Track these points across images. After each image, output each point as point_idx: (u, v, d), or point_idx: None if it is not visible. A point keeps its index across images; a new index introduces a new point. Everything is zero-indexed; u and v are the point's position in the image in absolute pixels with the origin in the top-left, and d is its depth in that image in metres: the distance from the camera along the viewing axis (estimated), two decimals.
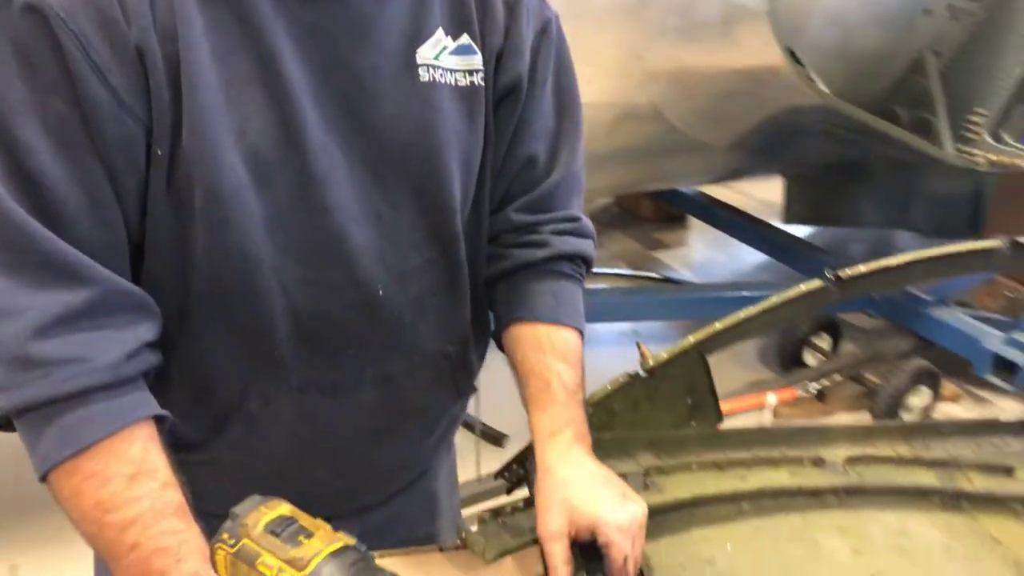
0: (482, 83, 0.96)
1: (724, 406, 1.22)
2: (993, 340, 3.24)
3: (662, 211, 5.31)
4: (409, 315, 0.99)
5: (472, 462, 2.77)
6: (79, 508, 0.78)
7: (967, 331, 3.35)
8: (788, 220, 4.53)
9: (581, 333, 1.09)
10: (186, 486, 0.81)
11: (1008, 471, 1.16)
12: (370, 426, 1.03)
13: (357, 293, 0.94)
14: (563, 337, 1.07)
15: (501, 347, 1.13)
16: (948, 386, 3.40)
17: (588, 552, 0.95)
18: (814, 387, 3.29)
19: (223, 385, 0.95)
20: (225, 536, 0.70)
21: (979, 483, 1.14)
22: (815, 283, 1.16)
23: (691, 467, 1.16)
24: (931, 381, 3.24)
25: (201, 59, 0.80)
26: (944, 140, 3.27)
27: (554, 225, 1.10)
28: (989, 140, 3.22)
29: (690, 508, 1.12)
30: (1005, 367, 3.17)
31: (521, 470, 1.22)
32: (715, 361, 1.19)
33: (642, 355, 1.19)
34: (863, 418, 3.30)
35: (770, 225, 4.55)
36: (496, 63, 0.98)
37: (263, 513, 0.71)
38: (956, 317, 3.46)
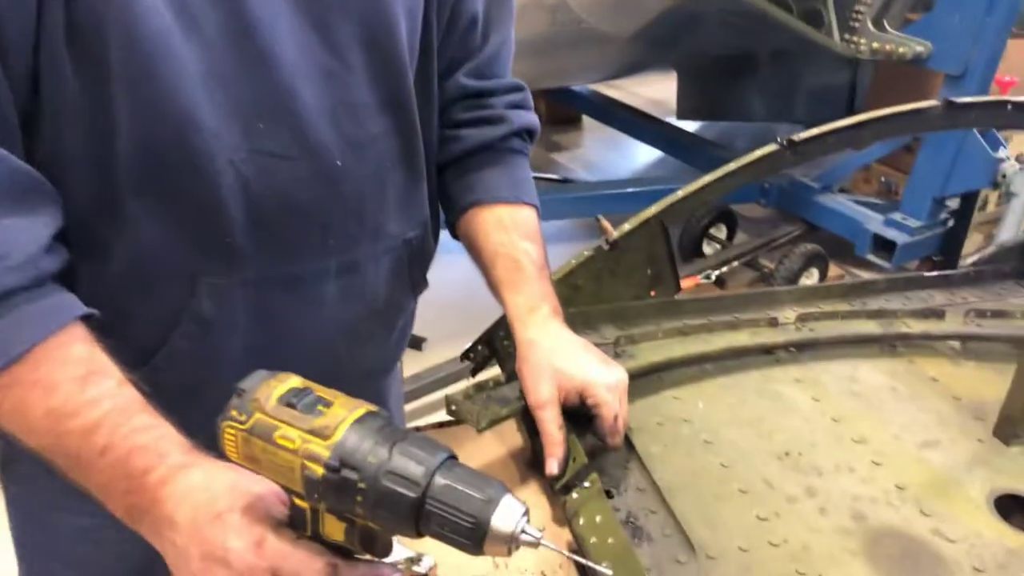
0: None
1: None
2: (873, 222, 3.49)
3: (557, 113, 5.29)
4: (371, 191, 0.92)
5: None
6: (26, 421, 0.70)
7: (850, 215, 3.58)
8: (681, 116, 4.63)
9: (538, 210, 1.08)
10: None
11: (940, 315, 1.25)
12: (333, 328, 0.96)
13: (313, 164, 0.85)
14: (524, 216, 1.06)
15: (455, 234, 1.10)
16: (832, 268, 3.64)
17: (576, 419, 0.96)
18: (714, 274, 3.44)
19: (168, 284, 0.84)
20: (234, 413, 0.65)
21: (916, 327, 1.23)
22: (769, 147, 1.18)
23: (657, 335, 1.18)
24: (820, 263, 3.46)
25: None
26: (832, 29, 3.39)
27: (505, 97, 1.07)
28: (872, 29, 3.36)
29: (660, 372, 1.15)
30: (884, 246, 3.43)
31: (487, 350, 1.21)
32: None
33: (605, 229, 1.19)
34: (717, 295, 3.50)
35: (663, 122, 4.64)
36: None
37: (274, 386, 0.66)
38: (840, 202, 3.69)
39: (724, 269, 3.49)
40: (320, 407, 0.65)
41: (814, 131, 1.19)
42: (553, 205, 3.70)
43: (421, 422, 1.31)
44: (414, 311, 1.17)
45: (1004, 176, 3.16)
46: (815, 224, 3.74)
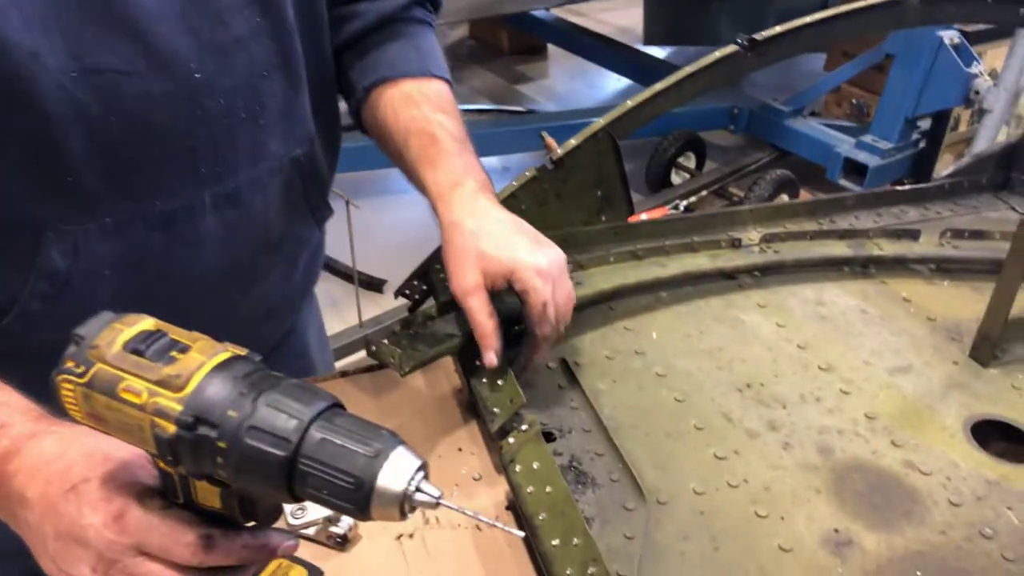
0: None
1: None
2: (844, 145, 3.39)
3: (520, 42, 5.08)
4: (243, 106, 0.79)
5: (353, 311, 2.68)
6: None
7: (821, 138, 3.48)
8: (648, 41, 4.45)
9: (451, 85, 0.96)
10: None
11: (914, 236, 1.15)
12: (221, 268, 0.84)
13: (165, 78, 0.71)
14: (435, 88, 0.94)
15: (361, 125, 0.98)
16: (803, 193, 3.55)
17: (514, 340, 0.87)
18: (682, 204, 3.34)
19: (7, 238, 0.72)
20: (70, 364, 0.54)
21: (887, 248, 1.14)
22: (728, 49, 1.06)
23: (608, 259, 1.07)
24: (791, 189, 3.36)
25: None
26: None
27: None
28: None
29: (611, 301, 1.05)
30: (855, 169, 3.34)
31: (424, 285, 1.10)
32: None
33: (549, 146, 1.07)
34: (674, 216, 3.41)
35: (631, 48, 4.47)
36: None
37: (119, 331, 0.54)
38: (810, 126, 3.58)
39: (693, 199, 3.38)
40: (174, 353, 0.54)
41: (777, 29, 1.07)
42: (516, 137, 3.56)
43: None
44: (322, 242, 1.05)
45: (977, 93, 3.05)
46: (785, 149, 3.63)
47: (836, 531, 0.76)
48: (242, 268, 0.86)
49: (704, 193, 3.45)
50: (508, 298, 0.86)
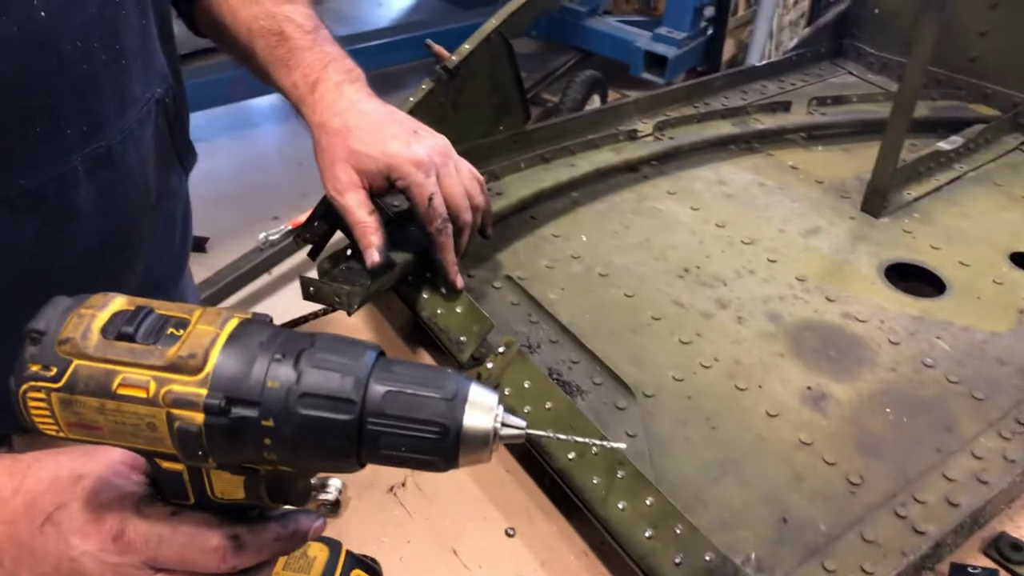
0: None
1: None
2: (643, 39, 3.51)
3: None
4: (100, 44, 0.65)
5: None
6: None
7: (620, 35, 3.58)
8: None
9: None
10: None
11: (786, 108, 1.21)
12: (99, 241, 0.71)
13: (5, 21, 0.57)
14: None
15: (195, 27, 0.87)
16: (611, 93, 3.66)
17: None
18: None
19: None
20: (35, 368, 0.42)
21: (767, 122, 1.19)
22: None
23: (519, 166, 1.03)
24: (601, 88, 3.45)
25: None
26: None
27: None
28: None
29: (531, 209, 1.01)
30: (656, 62, 3.48)
31: (325, 224, 1.00)
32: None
33: (438, 55, 0.99)
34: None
35: None
36: None
37: (89, 316, 0.43)
38: (608, 24, 3.66)
39: None
40: (172, 330, 0.44)
41: None
42: None
43: None
44: (188, 196, 0.92)
45: None
46: (588, 50, 3.70)
47: (809, 388, 0.80)
48: (124, 239, 0.73)
49: None
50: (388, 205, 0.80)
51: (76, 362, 0.42)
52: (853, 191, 1.10)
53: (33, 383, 0.42)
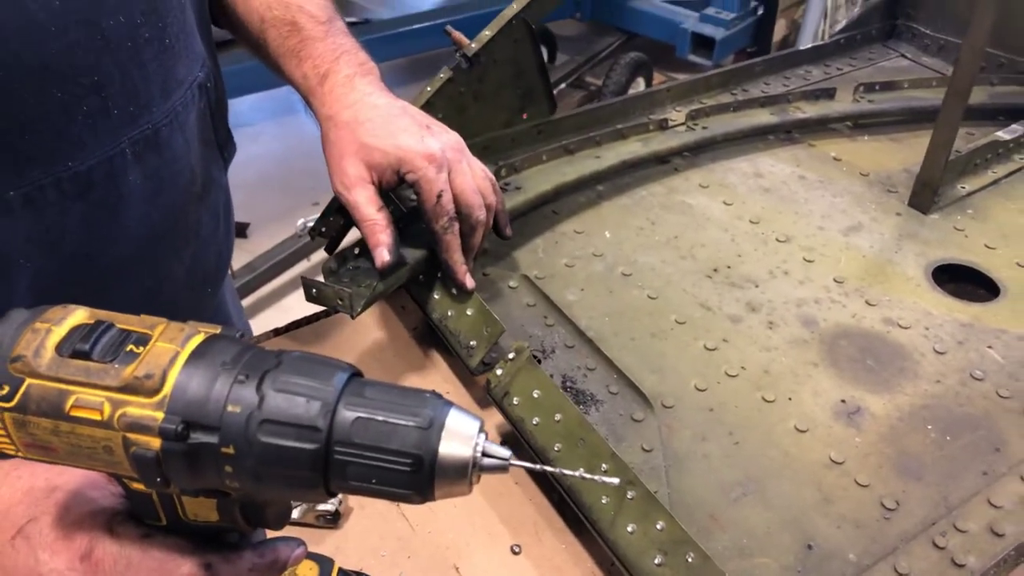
0: None
1: None
2: (690, 20, 3.40)
3: None
4: (144, 20, 0.63)
5: None
6: None
7: (667, 16, 3.47)
8: None
9: None
10: None
11: (830, 95, 1.14)
12: (148, 229, 0.69)
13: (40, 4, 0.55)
14: None
15: (217, 23, 0.84)
16: (656, 75, 3.56)
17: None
18: None
19: None
20: None
21: (809, 110, 1.12)
22: None
23: (541, 158, 0.99)
24: (646, 71, 3.36)
25: None
26: None
27: None
28: None
29: (552, 204, 0.97)
30: (703, 44, 3.37)
31: (341, 218, 0.97)
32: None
33: (458, 42, 0.95)
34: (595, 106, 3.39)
35: None
36: None
37: (44, 331, 0.41)
38: (654, 5, 3.55)
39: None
40: (132, 347, 0.41)
41: None
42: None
43: (266, 320, 1.07)
44: (228, 188, 0.90)
45: None
46: (633, 32, 3.60)
47: (843, 401, 0.74)
48: (172, 227, 0.72)
49: (563, 86, 3.39)
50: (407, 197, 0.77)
51: (28, 381, 0.40)
52: (901, 185, 1.02)
53: None
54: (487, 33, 0.93)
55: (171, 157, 0.70)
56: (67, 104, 0.59)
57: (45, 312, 0.42)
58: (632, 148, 1.03)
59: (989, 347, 0.79)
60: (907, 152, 1.08)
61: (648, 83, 3.46)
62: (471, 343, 0.76)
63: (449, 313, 0.79)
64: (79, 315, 0.42)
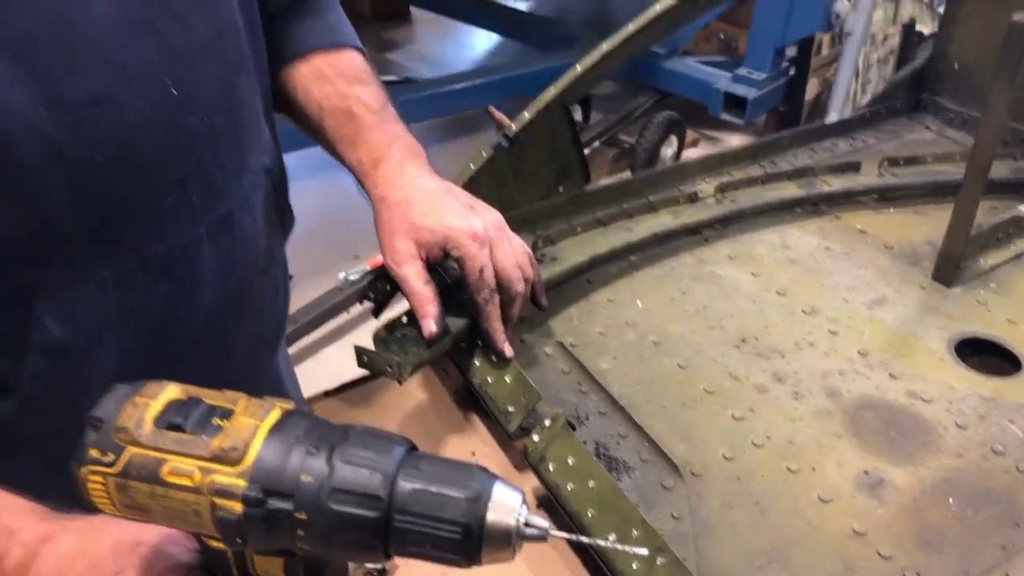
0: None
1: None
2: (722, 80, 3.47)
3: (382, 7, 4.90)
4: (221, 117, 0.71)
5: None
6: None
7: (699, 77, 3.55)
8: None
9: (363, 52, 0.91)
10: None
11: (856, 168, 1.19)
12: (220, 304, 0.76)
13: (140, 100, 0.62)
14: (346, 59, 0.89)
15: (277, 106, 0.91)
16: (688, 132, 3.63)
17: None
18: None
19: None
20: (95, 453, 0.46)
21: (835, 184, 1.16)
22: (668, 2, 1.03)
23: (576, 230, 1.05)
24: (678, 129, 3.43)
25: None
26: None
27: None
28: None
29: (587, 273, 1.02)
30: (735, 103, 3.44)
31: (387, 283, 1.03)
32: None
33: (500, 123, 1.02)
34: (625, 176, 3.46)
35: (495, 3, 4.40)
36: None
37: (144, 405, 0.47)
38: (687, 65, 3.64)
39: (586, 151, 3.39)
40: (217, 420, 0.47)
41: None
42: (408, 109, 3.44)
43: (307, 370, 1.13)
44: (286, 259, 0.97)
45: (838, 17, 3.19)
46: (667, 91, 3.69)
47: (866, 473, 0.77)
48: (238, 300, 0.78)
49: (596, 143, 3.47)
50: (451, 268, 0.83)
51: (130, 449, 0.46)
52: (924, 258, 1.06)
53: (92, 467, 0.46)
54: (527, 116, 1.00)
55: (241, 237, 0.76)
56: (155, 196, 0.66)
57: (143, 387, 0.48)
58: (663, 220, 1.08)
59: (1011, 421, 0.82)
60: (931, 225, 1.12)
61: (681, 142, 3.53)
62: (509, 409, 0.80)
63: (489, 379, 0.83)
64: (172, 390, 0.48)
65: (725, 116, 3.48)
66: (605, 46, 1.02)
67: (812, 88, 3.73)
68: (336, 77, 0.86)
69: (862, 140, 1.33)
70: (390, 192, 0.83)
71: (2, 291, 0.60)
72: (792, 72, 3.56)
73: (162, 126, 0.65)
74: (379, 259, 0.95)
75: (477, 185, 1.00)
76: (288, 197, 0.92)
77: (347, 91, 0.86)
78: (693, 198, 1.12)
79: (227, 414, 0.47)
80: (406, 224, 0.81)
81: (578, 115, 3.70)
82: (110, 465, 0.46)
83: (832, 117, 3.24)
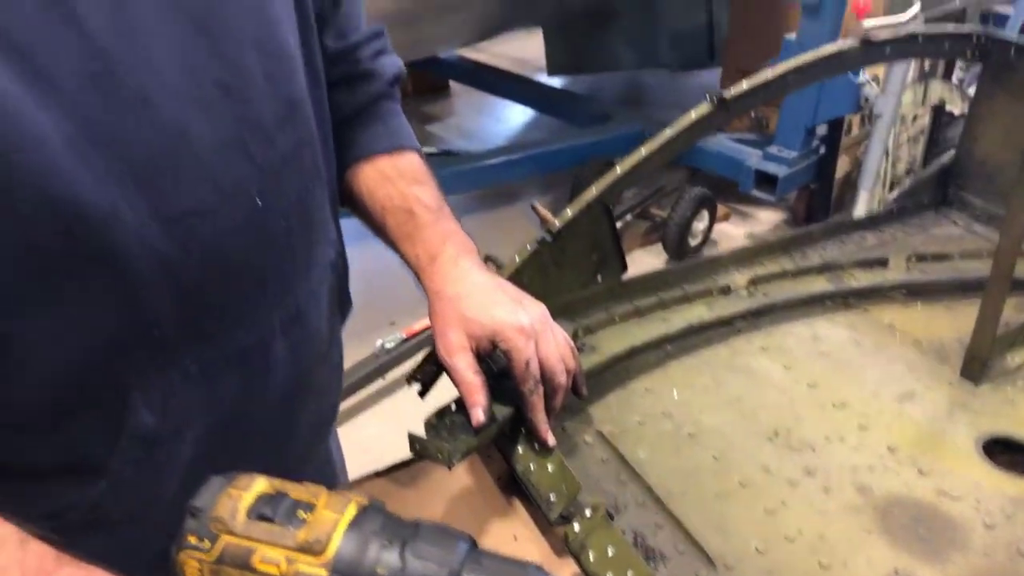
0: None
1: None
2: (753, 158, 3.56)
3: (423, 82, 5.11)
4: (297, 221, 0.78)
5: None
6: None
7: (731, 154, 3.64)
8: (552, 72, 4.57)
9: (420, 152, 0.99)
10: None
11: (884, 263, 1.23)
12: (283, 391, 0.82)
13: (233, 210, 0.70)
14: (407, 161, 0.96)
15: (342, 202, 0.99)
16: (720, 207, 3.70)
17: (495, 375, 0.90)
18: None
19: (93, 404, 0.67)
20: (193, 540, 0.52)
21: (863, 279, 1.21)
22: (702, 108, 1.11)
23: (614, 320, 1.10)
24: (709, 205, 3.50)
25: None
26: None
27: (368, 47, 0.95)
28: None
29: (625, 361, 1.07)
30: (766, 180, 3.51)
31: (435, 366, 1.09)
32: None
33: (544, 219, 1.09)
34: (657, 250, 3.53)
35: (531, 80, 4.57)
36: None
37: (237, 496, 0.53)
38: (719, 143, 3.73)
39: (619, 224, 3.48)
40: (301, 512, 0.52)
41: (744, 87, 1.12)
42: (445, 181, 3.56)
43: (344, 435, 1.18)
44: (342, 342, 1.04)
45: (867, 100, 3.27)
46: (698, 167, 3.78)
47: (896, 571, 0.80)
48: (302, 385, 0.85)
49: (629, 217, 3.55)
50: (499, 358, 0.89)
51: (225, 538, 0.51)
52: (952, 354, 1.09)
53: (191, 552, 0.52)
54: (569, 213, 1.07)
55: (308, 328, 0.83)
56: (238, 294, 0.73)
57: (236, 479, 0.54)
58: (698, 312, 1.13)
59: None
60: (960, 321, 1.15)
61: (712, 217, 3.60)
62: (551, 497, 0.85)
63: (531, 467, 0.88)
64: (261, 483, 0.54)
65: (756, 193, 3.55)
66: (644, 150, 1.09)
67: (843, 166, 3.80)
68: (398, 178, 0.94)
69: (890, 234, 1.38)
70: (444, 287, 0.89)
71: (101, 382, 0.67)
72: (823, 151, 3.63)
73: (248, 232, 0.72)
74: (415, 328, 1.02)
75: (521, 275, 1.07)
76: (348, 286, 0.99)
77: (407, 191, 0.93)
78: (726, 291, 1.17)
79: (310, 507, 0.53)
80: (459, 317, 0.87)
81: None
82: (206, 551, 0.51)
83: (862, 196, 3.30)
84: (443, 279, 0.89)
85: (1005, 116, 1.36)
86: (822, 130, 3.60)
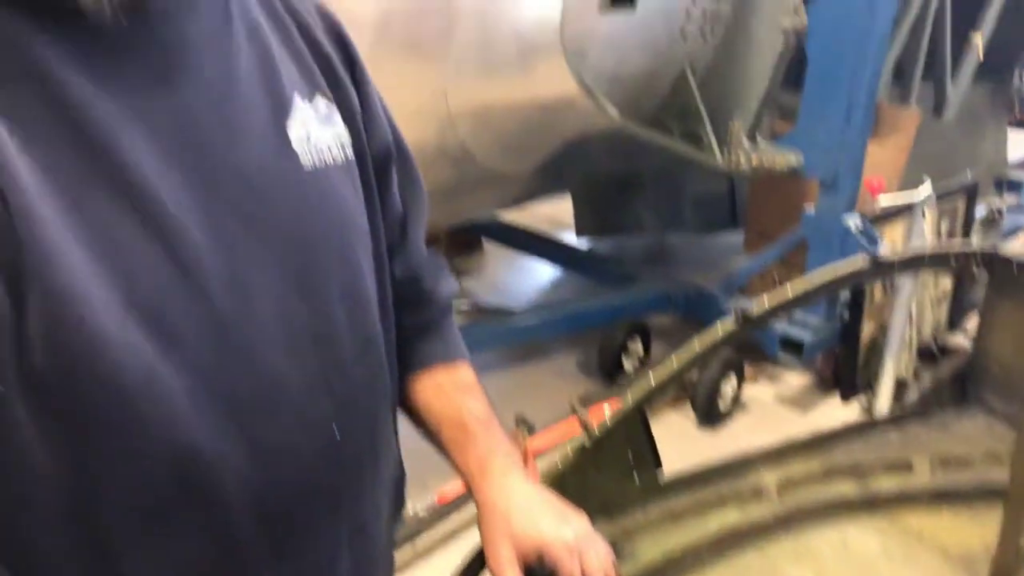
0: (351, 152, 0.85)
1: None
2: (779, 324, 3.64)
3: (456, 239, 5.35)
4: (368, 446, 0.87)
5: None
6: None
7: None
8: (580, 234, 4.79)
9: (469, 362, 1.07)
10: None
11: (908, 467, 1.29)
12: None
13: (313, 442, 0.78)
14: (460, 373, 1.04)
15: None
16: (747, 369, 3.76)
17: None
18: None
19: None
20: None
21: (888, 483, 1.26)
22: (727, 324, 1.21)
23: (651, 522, 1.16)
24: (737, 368, 3.57)
25: (42, 212, 0.60)
26: (713, 149, 3.63)
27: (430, 274, 1.04)
28: (747, 144, 3.61)
29: (663, 571, 1.12)
30: (791, 346, 3.58)
31: (479, 565, 1.15)
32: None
33: (586, 427, 1.17)
34: (686, 410, 3.56)
35: (559, 242, 4.78)
36: (355, 123, 0.87)
37: None
38: None
39: None
40: None
41: (767, 305, 1.23)
42: (476, 338, 3.68)
43: None
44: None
45: None
46: None
47: None
48: None
49: None
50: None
51: None
52: (980, 562, 1.13)
53: None
54: (607, 423, 1.16)
55: (371, 537, 0.90)
56: (316, 516, 0.81)
57: None
58: (731, 515, 1.19)
59: None
60: (985, 529, 1.19)
61: (740, 379, 3.65)
62: None
63: None
64: None
65: (781, 356, 3.62)
66: (675, 363, 1.19)
67: (868, 330, 3.87)
68: (453, 391, 1.01)
69: (913, 433, 1.44)
70: (497, 498, 0.94)
71: None
72: (846, 316, 3.72)
73: (327, 459, 0.81)
74: (448, 494, 1.06)
75: (562, 478, 1.14)
76: (404, 490, 1.06)
77: (461, 404, 1.00)
78: (757, 494, 1.23)
79: None
80: (508, 532, 0.92)
81: (639, 346, 3.90)
82: None
83: (888, 364, 3.36)
84: (492, 491, 0.95)
85: (1014, 325, 1.45)
86: (845, 296, 3.71)
